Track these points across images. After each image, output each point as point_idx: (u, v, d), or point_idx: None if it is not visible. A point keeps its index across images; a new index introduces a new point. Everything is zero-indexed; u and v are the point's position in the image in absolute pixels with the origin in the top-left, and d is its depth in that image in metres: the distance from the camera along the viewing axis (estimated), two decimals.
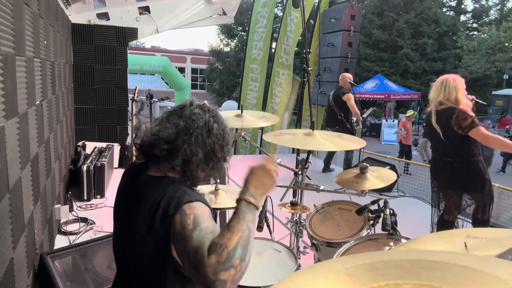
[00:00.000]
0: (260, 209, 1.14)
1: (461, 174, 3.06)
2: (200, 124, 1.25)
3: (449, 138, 3.01)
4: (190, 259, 1.04)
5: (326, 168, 6.32)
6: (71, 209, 3.84)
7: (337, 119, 5.70)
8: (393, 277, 0.52)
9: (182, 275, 1.18)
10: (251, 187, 1.17)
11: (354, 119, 5.70)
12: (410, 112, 10.85)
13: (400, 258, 0.56)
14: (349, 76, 5.84)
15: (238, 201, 1.14)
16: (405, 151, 10.24)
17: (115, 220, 1.39)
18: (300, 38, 8.20)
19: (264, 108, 8.47)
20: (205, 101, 1.39)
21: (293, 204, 2.27)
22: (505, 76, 22.32)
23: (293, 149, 7.68)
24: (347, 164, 6.08)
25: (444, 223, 3.28)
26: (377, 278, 0.52)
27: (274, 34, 8.64)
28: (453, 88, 2.98)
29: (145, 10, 5.81)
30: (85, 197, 4.26)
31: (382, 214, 1.97)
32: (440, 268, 0.51)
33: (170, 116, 1.29)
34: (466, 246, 0.70)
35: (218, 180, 2.24)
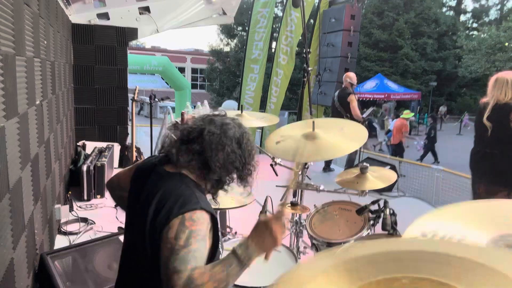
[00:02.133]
0: (248, 267, 1.16)
1: (499, 166, 3.04)
2: (232, 135, 1.30)
3: (500, 131, 3.00)
4: (165, 273, 1.09)
5: (327, 168, 6.32)
6: (71, 209, 3.83)
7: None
8: (392, 270, 0.52)
9: None
10: (251, 242, 1.16)
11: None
12: (409, 114, 10.89)
13: (399, 249, 0.56)
14: (350, 76, 5.84)
15: (233, 251, 1.14)
16: (402, 152, 10.30)
17: (127, 214, 1.43)
18: (300, 38, 8.20)
19: (263, 108, 8.48)
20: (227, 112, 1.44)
21: (293, 204, 2.27)
22: None
23: None
24: (349, 165, 6.08)
25: None
26: (375, 272, 0.52)
27: (274, 34, 8.65)
28: None
29: (145, 10, 5.81)
30: (85, 197, 4.25)
31: (382, 214, 1.97)
32: (439, 260, 0.51)
33: (206, 122, 1.33)
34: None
35: None
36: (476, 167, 3.28)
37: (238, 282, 1.65)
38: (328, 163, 6.35)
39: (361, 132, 2.28)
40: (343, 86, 5.90)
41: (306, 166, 2.41)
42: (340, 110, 5.75)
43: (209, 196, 1.40)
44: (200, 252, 1.13)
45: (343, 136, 2.25)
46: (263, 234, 1.16)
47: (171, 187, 1.25)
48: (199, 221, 1.16)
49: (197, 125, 1.32)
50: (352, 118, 5.66)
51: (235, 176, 1.36)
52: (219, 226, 1.32)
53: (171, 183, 1.26)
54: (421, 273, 0.49)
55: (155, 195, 1.24)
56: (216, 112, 1.40)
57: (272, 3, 8.20)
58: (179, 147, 1.31)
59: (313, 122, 2.22)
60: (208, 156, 1.27)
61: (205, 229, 1.18)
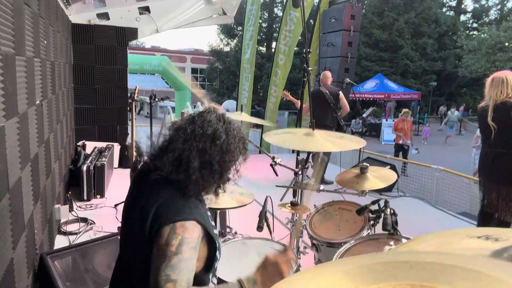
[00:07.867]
0: None
1: (508, 165, 3.02)
2: (207, 132, 1.22)
3: (505, 130, 3.00)
4: (156, 280, 1.06)
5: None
6: (71, 209, 3.83)
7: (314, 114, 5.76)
8: (393, 278, 0.52)
9: None
10: (259, 278, 1.12)
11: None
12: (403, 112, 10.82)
13: (401, 259, 0.56)
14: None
15: (239, 281, 1.11)
16: (398, 150, 10.24)
17: (122, 218, 1.41)
18: (300, 38, 8.21)
19: (263, 108, 8.51)
20: (225, 112, 1.36)
21: (293, 204, 2.27)
22: None
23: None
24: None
25: (485, 215, 3.24)
26: (376, 280, 0.52)
27: (274, 34, 8.69)
28: None
29: (145, 10, 5.81)
30: (85, 197, 4.25)
31: (382, 214, 1.97)
32: (441, 269, 0.51)
33: (185, 121, 1.28)
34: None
35: None
36: (485, 168, 3.21)
37: None
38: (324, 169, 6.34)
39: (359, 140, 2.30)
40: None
41: (306, 166, 2.40)
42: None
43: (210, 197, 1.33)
44: (191, 264, 1.10)
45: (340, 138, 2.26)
46: (272, 274, 1.13)
47: (165, 197, 1.21)
48: (191, 230, 1.14)
49: (173, 130, 1.26)
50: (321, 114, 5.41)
51: (220, 176, 1.27)
52: (215, 229, 1.28)
53: (166, 193, 1.22)
54: (425, 281, 0.49)
55: (144, 203, 1.21)
56: (201, 111, 1.29)
57: (258, 0, 8.26)
58: (160, 158, 1.25)
59: (313, 122, 2.23)
60: (185, 164, 1.20)
61: (196, 238, 1.15)
